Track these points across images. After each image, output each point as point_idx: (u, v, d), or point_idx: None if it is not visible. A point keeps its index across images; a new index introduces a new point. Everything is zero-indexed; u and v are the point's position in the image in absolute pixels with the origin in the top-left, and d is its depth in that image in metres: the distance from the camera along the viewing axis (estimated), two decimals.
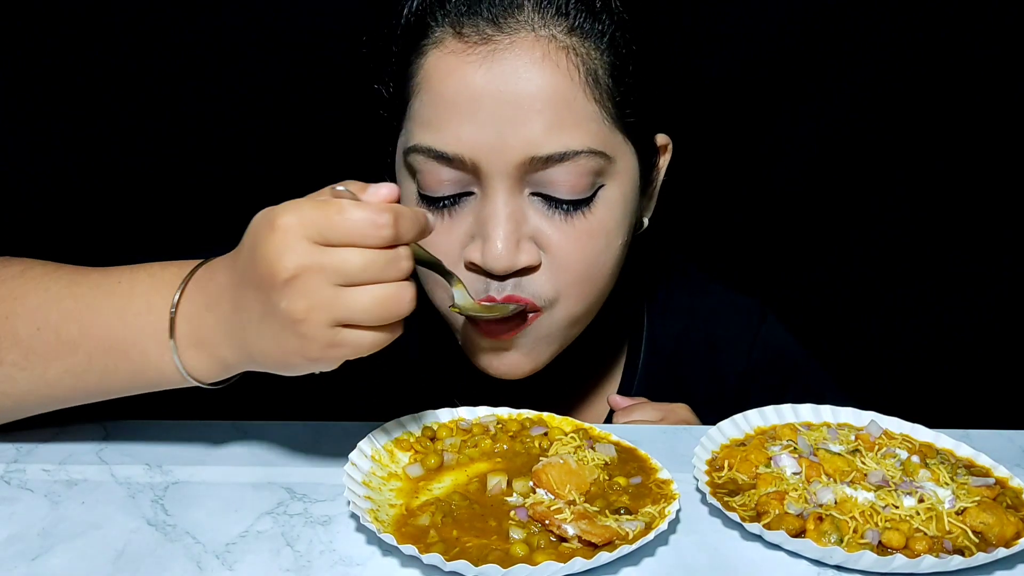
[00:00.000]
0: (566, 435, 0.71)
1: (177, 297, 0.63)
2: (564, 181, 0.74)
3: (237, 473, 0.68)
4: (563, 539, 0.59)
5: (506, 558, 0.57)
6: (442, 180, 0.75)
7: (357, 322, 0.58)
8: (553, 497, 0.63)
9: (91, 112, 1.05)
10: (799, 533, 0.60)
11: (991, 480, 0.66)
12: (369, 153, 0.85)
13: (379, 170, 0.85)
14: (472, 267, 0.76)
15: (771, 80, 1.13)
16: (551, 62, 0.72)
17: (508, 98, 0.71)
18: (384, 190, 0.60)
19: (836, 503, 0.63)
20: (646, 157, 0.81)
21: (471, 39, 0.72)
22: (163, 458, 0.70)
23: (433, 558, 0.55)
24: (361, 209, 0.57)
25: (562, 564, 0.55)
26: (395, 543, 0.56)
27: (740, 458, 0.68)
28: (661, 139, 0.84)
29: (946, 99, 1.13)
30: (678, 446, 0.74)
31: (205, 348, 0.62)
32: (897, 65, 1.12)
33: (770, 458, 0.68)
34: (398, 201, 0.60)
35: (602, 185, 0.76)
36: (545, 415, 0.74)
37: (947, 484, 0.64)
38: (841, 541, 0.59)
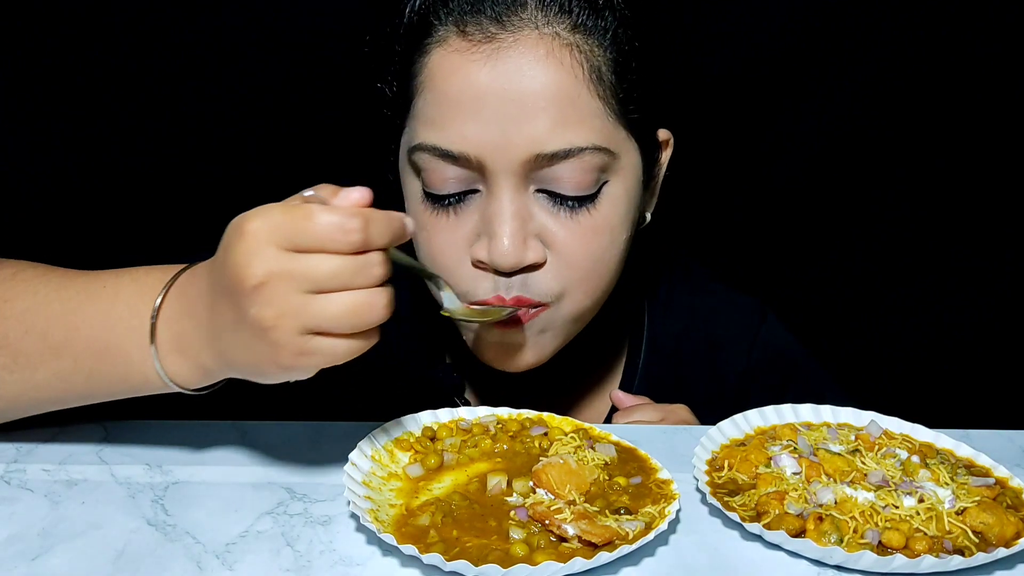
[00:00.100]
0: (566, 435, 0.71)
1: (158, 303, 0.62)
2: (569, 178, 0.74)
3: (237, 473, 0.68)
4: (563, 539, 0.59)
5: (506, 558, 0.57)
6: (447, 178, 0.75)
7: (328, 330, 0.56)
8: (553, 497, 0.63)
9: (91, 112, 1.05)
10: (799, 533, 0.60)
11: (991, 480, 0.66)
12: (369, 152, 0.86)
13: (379, 169, 0.85)
14: (479, 265, 0.76)
15: (772, 77, 1.13)
16: (555, 59, 0.72)
17: (513, 96, 0.72)
18: (355, 194, 0.58)
19: (836, 503, 0.63)
20: (648, 152, 0.81)
21: (475, 37, 0.72)
22: (163, 458, 0.70)
23: (433, 558, 0.55)
24: (330, 214, 0.56)
25: (562, 564, 0.55)
26: (395, 543, 0.56)
27: (740, 458, 0.68)
28: (663, 134, 0.84)
29: (947, 97, 1.13)
30: (678, 446, 0.74)
31: (186, 354, 0.62)
32: (898, 63, 1.12)
33: (770, 458, 0.68)
34: (375, 205, 0.59)
35: (606, 181, 0.76)
36: (545, 415, 0.74)
37: (947, 484, 0.64)
38: (841, 541, 0.59)
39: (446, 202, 0.76)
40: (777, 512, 0.62)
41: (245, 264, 0.55)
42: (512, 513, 0.61)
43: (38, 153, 1.07)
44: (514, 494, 0.64)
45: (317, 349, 0.57)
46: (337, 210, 0.56)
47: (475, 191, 0.76)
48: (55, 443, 0.72)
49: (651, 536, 0.58)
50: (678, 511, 0.63)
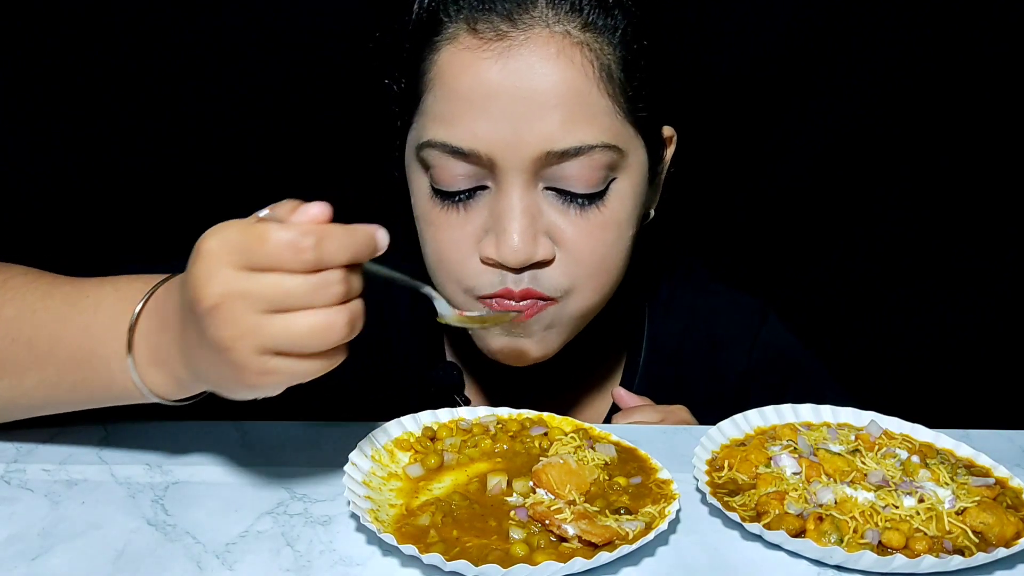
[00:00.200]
0: (566, 435, 0.71)
1: (135, 315, 0.62)
2: (578, 175, 0.74)
3: (237, 473, 0.68)
4: (563, 539, 0.59)
5: (506, 558, 0.57)
6: (456, 175, 0.75)
7: (287, 350, 0.55)
8: (553, 497, 0.63)
9: (91, 112, 1.06)
10: (799, 533, 0.60)
11: (991, 480, 0.66)
12: (370, 151, 0.86)
13: (380, 167, 0.85)
14: (487, 261, 0.77)
15: (780, 76, 1.13)
16: (566, 58, 0.72)
17: (524, 94, 0.72)
18: (314, 209, 0.56)
19: (836, 503, 0.63)
20: (654, 150, 0.82)
21: (486, 35, 0.73)
22: (163, 458, 0.70)
23: (433, 558, 0.55)
24: (284, 231, 0.54)
25: (562, 564, 0.55)
26: (395, 543, 0.56)
27: (740, 458, 0.68)
28: (666, 131, 0.85)
29: (953, 96, 1.13)
30: (678, 446, 0.74)
31: (163, 367, 0.62)
32: (905, 62, 1.12)
33: (770, 458, 0.68)
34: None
35: (614, 178, 0.77)
36: (545, 415, 0.74)
37: (947, 484, 0.64)
38: (841, 541, 0.59)
39: (455, 198, 0.77)
40: (777, 512, 0.62)
41: (201, 285, 0.54)
42: (512, 513, 0.61)
43: (38, 153, 1.07)
44: (514, 494, 0.64)
45: (277, 369, 0.55)
46: (292, 228, 0.54)
47: (484, 187, 0.76)
48: (55, 443, 0.72)
49: (651, 536, 0.58)
50: (678, 511, 0.63)
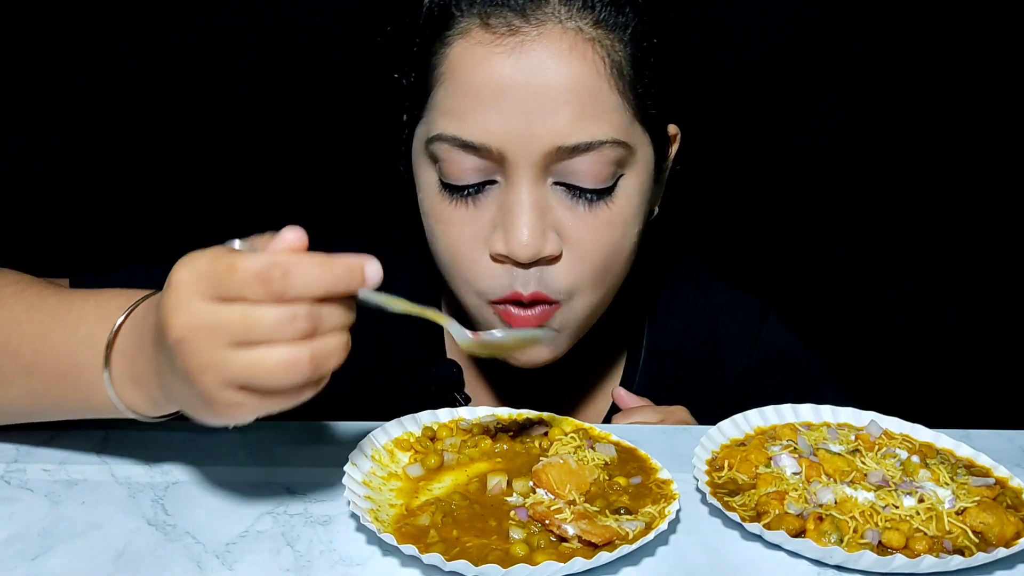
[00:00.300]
0: (566, 435, 0.71)
1: (113, 332, 0.61)
2: (587, 171, 0.75)
3: (237, 473, 0.68)
4: (563, 539, 0.59)
5: (506, 558, 0.57)
6: (466, 168, 0.76)
7: (251, 385, 0.53)
8: (553, 497, 0.63)
9: (91, 112, 1.06)
10: (799, 533, 0.60)
11: (991, 480, 0.66)
12: (373, 148, 0.86)
13: (382, 166, 0.85)
14: (497, 258, 0.77)
15: (784, 75, 1.13)
16: (578, 54, 0.73)
17: (536, 89, 0.72)
18: (289, 235, 0.54)
19: (836, 503, 0.63)
20: (661, 147, 0.82)
21: (499, 30, 0.73)
22: (163, 458, 0.70)
23: (433, 558, 0.55)
24: (253, 260, 0.52)
25: (562, 564, 0.55)
26: (395, 543, 0.56)
27: (740, 458, 0.68)
28: (671, 129, 0.85)
29: (957, 95, 1.14)
30: (678, 446, 0.74)
31: (139, 385, 0.61)
32: (910, 61, 1.12)
33: (770, 458, 0.68)
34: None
35: (622, 175, 0.77)
36: (545, 415, 0.74)
37: (947, 484, 0.64)
38: (841, 541, 0.59)
39: (464, 192, 0.77)
40: (777, 512, 0.62)
41: (170, 315, 0.53)
42: (512, 513, 0.61)
43: (38, 153, 1.07)
44: (514, 494, 0.64)
45: (244, 403, 0.53)
46: (262, 257, 0.52)
47: (493, 182, 0.76)
48: (55, 443, 0.71)
49: (651, 536, 0.58)
50: (678, 511, 0.63)
